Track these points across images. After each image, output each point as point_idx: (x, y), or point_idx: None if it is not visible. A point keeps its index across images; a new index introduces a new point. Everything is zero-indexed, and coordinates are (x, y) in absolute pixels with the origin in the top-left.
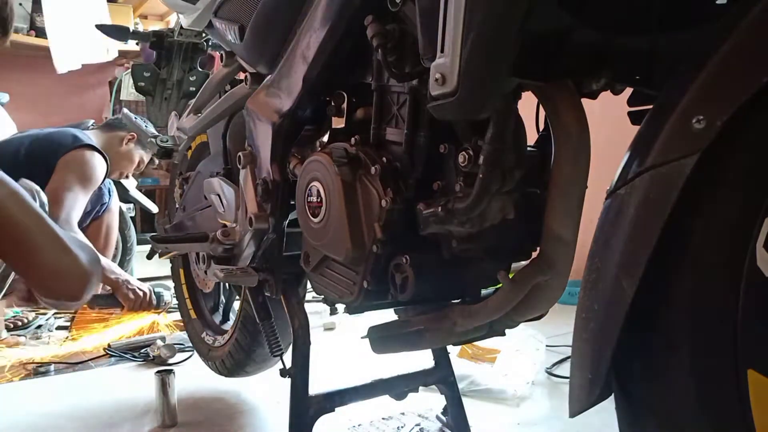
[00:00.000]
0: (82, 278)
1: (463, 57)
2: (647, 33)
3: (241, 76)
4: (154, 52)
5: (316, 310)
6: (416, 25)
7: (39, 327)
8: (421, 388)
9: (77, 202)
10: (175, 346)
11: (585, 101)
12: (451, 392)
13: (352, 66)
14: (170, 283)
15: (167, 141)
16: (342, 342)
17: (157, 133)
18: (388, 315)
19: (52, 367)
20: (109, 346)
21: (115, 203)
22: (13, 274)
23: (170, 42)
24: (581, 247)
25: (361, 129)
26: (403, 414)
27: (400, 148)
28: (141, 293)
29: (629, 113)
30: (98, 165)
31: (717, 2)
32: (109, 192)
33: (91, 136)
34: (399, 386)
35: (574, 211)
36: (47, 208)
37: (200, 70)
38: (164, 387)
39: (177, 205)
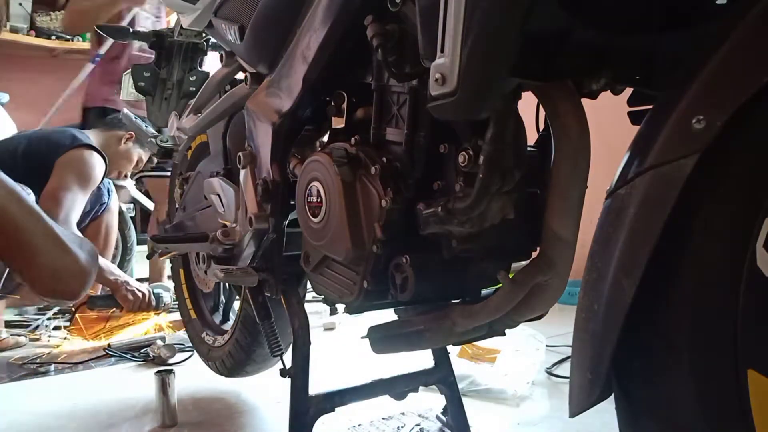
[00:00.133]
0: (82, 277)
1: (463, 57)
2: (647, 33)
3: (241, 76)
4: (154, 52)
5: (316, 310)
6: (416, 25)
7: (38, 327)
8: (421, 388)
9: (76, 202)
10: (175, 346)
11: (585, 101)
12: (451, 392)
13: (352, 66)
14: (170, 284)
15: (167, 141)
16: (342, 342)
17: (156, 133)
18: (388, 315)
19: (52, 367)
20: (109, 346)
21: (114, 203)
22: (7, 271)
23: (170, 42)
24: (581, 247)
25: (361, 129)
26: (403, 414)
27: (400, 148)
28: (140, 294)
29: (629, 113)
30: (97, 164)
31: (717, 2)
32: (109, 192)
33: (90, 136)
34: (399, 386)
35: (574, 211)
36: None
37: (200, 70)
38: (164, 387)
39: (177, 205)
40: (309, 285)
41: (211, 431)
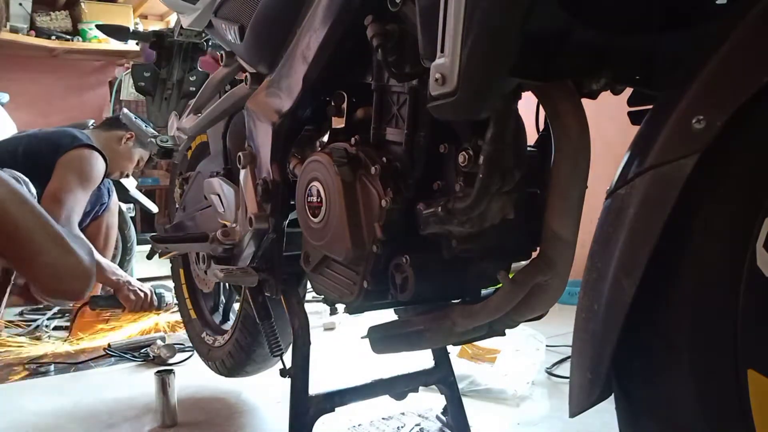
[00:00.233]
0: (84, 278)
1: (463, 57)
2: (647, 33)
3: (241, 76)
4: (154, 52)
5: (316, 310)
6: (416, 25)
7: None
8: (421, 388)
9: (78, 203)
10: (175, 346)
11: (585, 101)
12: (451, 392)
13: (352, 66)
14: (170, 284)
15: (167, 141)
16: (342, 342)
17: (156, 133)
18: (388, 315)
19: (52, 367)
20: (109, 346)
21: (114, 203)
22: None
23: (170, 42)
24: (581, 247)
25: (361, 129)
26: (403, 414)
27: (400, 148)
28: (142, 294)
29: (629, 113)
30: (97, 164)
31: (717, 2)
32: (109, 192)
33: (90, 136)
34: (399, 386)
35: (574, 211)
36: (37, 199)
37: (200, 70)
38: (164, 387)
39: (177, 205)
40: (309, 285)
41: (211, 431)
